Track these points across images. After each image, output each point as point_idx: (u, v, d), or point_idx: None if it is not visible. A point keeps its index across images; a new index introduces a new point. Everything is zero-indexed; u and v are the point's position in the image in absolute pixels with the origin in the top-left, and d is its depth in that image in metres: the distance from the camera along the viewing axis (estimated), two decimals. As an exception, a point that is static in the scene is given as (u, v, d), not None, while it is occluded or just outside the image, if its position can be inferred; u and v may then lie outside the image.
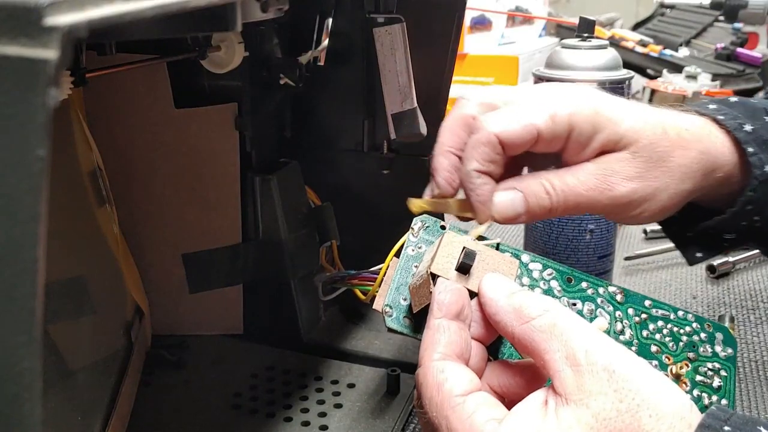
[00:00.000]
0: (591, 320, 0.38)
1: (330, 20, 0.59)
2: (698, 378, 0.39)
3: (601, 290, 0.39)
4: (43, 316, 0.19)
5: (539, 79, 0.59)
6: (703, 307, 0.65)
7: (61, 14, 0.18)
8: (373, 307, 0.38)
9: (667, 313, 0.40)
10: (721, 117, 0.43)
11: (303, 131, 0.63)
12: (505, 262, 0.37)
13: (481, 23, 1.35)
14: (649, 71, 1.41)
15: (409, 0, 0.57)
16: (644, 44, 1.45)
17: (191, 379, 0.53)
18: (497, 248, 0.38)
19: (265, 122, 0.58)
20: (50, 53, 0.17)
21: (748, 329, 0.61)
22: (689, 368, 0.39)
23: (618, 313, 0.39)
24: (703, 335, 0.40)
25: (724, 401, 0.39)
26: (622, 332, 0.39)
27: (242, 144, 0.54)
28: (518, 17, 1.48)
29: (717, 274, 0.70)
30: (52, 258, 0.19)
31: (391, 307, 0.37)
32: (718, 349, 0.40)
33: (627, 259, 0.73)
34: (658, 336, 0.39)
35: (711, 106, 0.44)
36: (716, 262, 0.70)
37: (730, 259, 0.71)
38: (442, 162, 0.41)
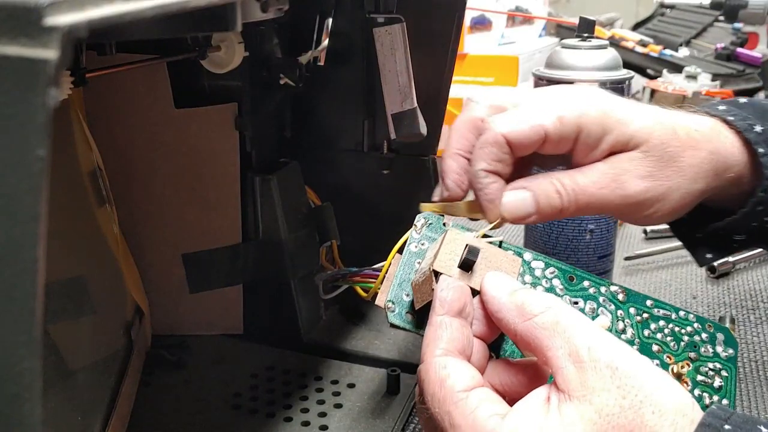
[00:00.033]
0: (593, 319, 0.39)
1: (330, 20, 0.59)
2: (699, 378, 0.39)
3: (603, 289, 0.39)
4: (43, 316, 0.19)
5: (539, 79, 0.59)
6: (703, 307, 0.65)
7: (61, 14, 0.18)
8: (376, 302, 0.38)
9: (669, 313, 0.40)
10: (731, 118, 0.43)
11: (303, 131, 0.63)
12: (508, 260, 0.37)
13: (481, 23, 1.35)
14: (649, 71, 1.41)
15: (409, 0, 0.57)
16: (644, 44, 1.45)
17: (191, 379, 0.53)
18: (500, 246, 0.38)
19: (265, 122, 0.58)
20: (50, 53, 0.17)
21: (748, 329, 0.61)
22: (690, 368, 0.39)
23: (620, 312, 0.39)
24: (704, 335, 0.40)
25: (724, 401, 0.39)
26: (623, 331, 0.39)
27: (242, 144, 0.54)
28: (518, 17, 1.48)
29: (717, 274, 0.70)
30: (52, 258, 0.19)
31: (393, 303, 0.37)
32: (719, 349, 0.40)
33: (627, 259, 0.73)
34: (659, 335, 0.39)
35: (721, 107, 0.45)
36: (716, 262, 0.70)
37: (730, 259, 0.71)
38: (451, 165, 0.41)
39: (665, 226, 0.78)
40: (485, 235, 0.39)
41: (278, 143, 0.61)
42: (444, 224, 0.40)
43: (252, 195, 0.55)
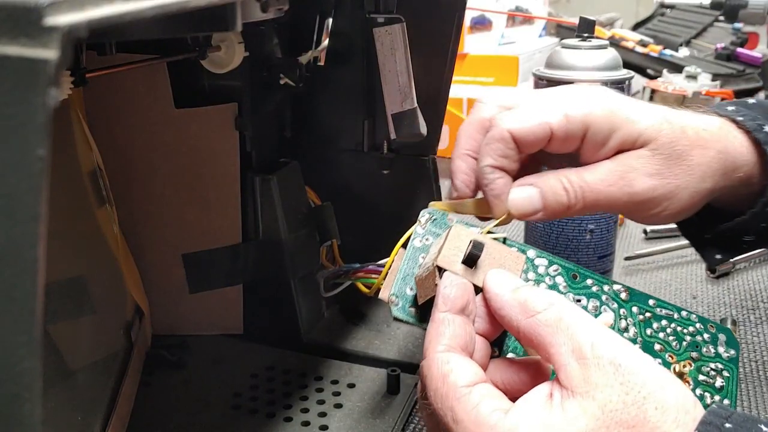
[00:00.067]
0: (596, 316, 0.39)
1: (330, 20, 0.59)
2: (701, 377, 0.39)
3: (606, 288, 0.40)
4: (43, 316, 0.19)
5: (539, 79, 0.59)
6: (703, 307, 0.65)
7: (61, 14, 0.18)
8: (379, 296, 0.39)
9: (671, 312, 0.40)
10: (740, 118, 0.43)
11: (303, 131, 0.63)
12: (512, 257, 0.37)
13: (481, 23, 1.35)
14: (649, 71, 1.41)
15: (409, 0, 0.57)
16: (644, 44, 1.45)
17: (191, 379, 0.53)
18: (504, 243, 0.38)
19: (265, 122, 0.58)
20: (50, 53, 0.17)
21: (748, 329, 0.61)
22: (692, 367, 0.39)
23: (622, 310, 0.39)
24: (706, 336, 0.40)
25: (726, 401, 0.39)
26: (626, 329, 0.39)
27: (242, 144, 0.54)
28: (518, 17, 1.48)
29: (717, 274, 0.70)
30: (52, 258, 0.19)
31: (397, 297, 0.38)
32: (721, 350, 0.40)
33: (627, 259, 0.73)
34: (661, 335, 0.39)
35: (730, 108, 0.45)
36: (726, 262, 0.70)
37: (731, 259, 0.71)
38: (460, 165, 0.42)
39: (665, 226, 0.79)
40: (489, 232, 0.39)
41: (278, 143, 0.61)
42: (448, 220, 0.40)
43: (252, 195, 0.55)
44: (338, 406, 0.49)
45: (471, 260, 0.35)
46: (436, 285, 0.35)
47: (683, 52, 1.48)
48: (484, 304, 0.35)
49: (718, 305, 0.65)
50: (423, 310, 0.37)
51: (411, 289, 0.38)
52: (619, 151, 0.40)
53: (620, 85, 0.57)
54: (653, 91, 1.18)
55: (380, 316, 0.60)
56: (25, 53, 0.17)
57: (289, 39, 0.57)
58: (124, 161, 0.53)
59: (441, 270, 0.35)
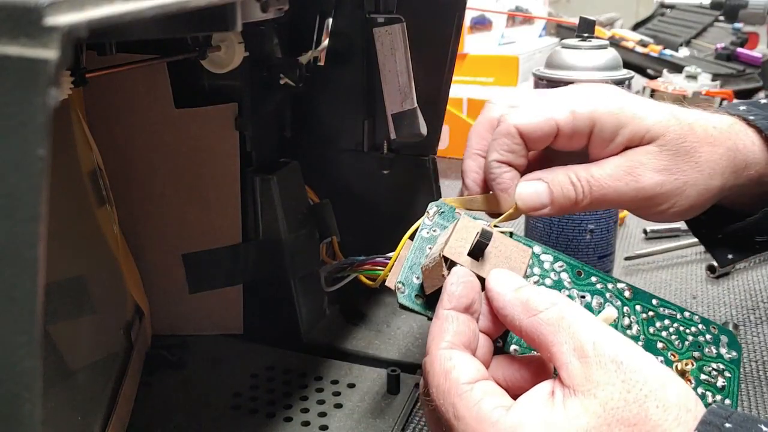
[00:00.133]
0: (600, 312, 0.39)
1: (330, 20, 0.59)
2: (702, 377, 0.39)
3: (610, 286, 0.40)
4: (43, 316, 0.19)
5: (539, 79, 0.59)
6: (703, 307, 0.65)
7: (61, 14, 0.18)
8: (386, 284, 0.39)
9: (674, 312, 0.40)
10: (752, 117, 0.43)
11: (303, 131, 0.63)
12: (518, 250, 0.37)
13: (481, 23, 1.35)
14: (649, 71, 1.41)
15: (409, 0, 0.57)
16: (644, 44, 1.45)
17: (191, 379, 0.53)
18: (510, 237, 0.39)
19: (265, 122, 0.58)
20: (50, 53, 0.17)
21: (748, 329, 0.61)
22: (694, 366, 0.39)
23: (626, 308, 0.39)
24: (708, 337, 0.40)
25: (727, 401, 0.39)
26: (629, 327, 0.39)
27: (242, 144, 0.54)
28: (518, 17, 1.48)
29: (717, 274, 0.70)
30: (52, 258, 0.19)
31: (403, 285, 0.38)
32: (723, 351, 0.40)
33: (627, 259, 0.73)
34: (664, 333, 0.39)
35: (741, 107, 0.45)
36: (738, 263, 0.70)
37: (743, 259, 0.71)
38: (470, 164, 0.42)
39: (666, 226, 0.79)
40: (495, 226, 0.39)
41: (278, 143, 0.61)
42: (456, 213, 0.40)
43: (252, 195, 0.55)
44: (338, 406, 0.49)
45: (477, 251, 0.35)
46: (443, 276, 0.35)
47: (683, 52, 1.49)
48: (487, 303, 0.35)
49: (718, 305, 0.65)
50: (429, 299, 0.37)
51: (417, 278, 0.38)
52: (627, 148, 0.40)
53: (620, 85, 0.57)
54: (653, 91, 1.18)
55: (380, 316, 0.60)
56: (26, 53, 0.17)
57: (289, 39, 0.57)
58: (124, 161, 0.53)
59: (447, 260, 0.35)
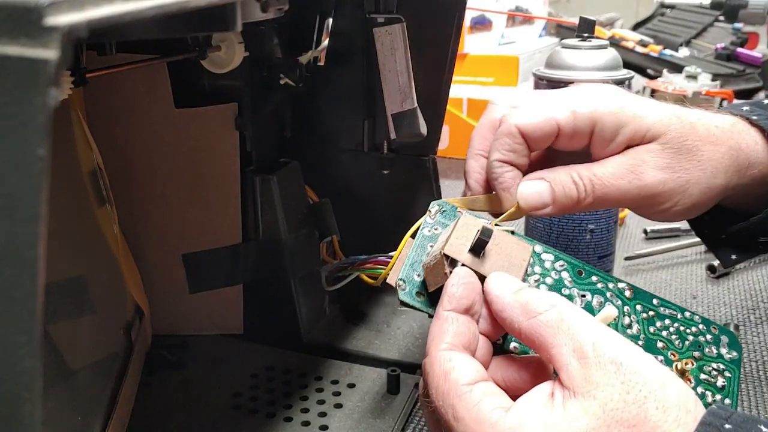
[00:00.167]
0: (600, 311, 0.39)
1: (330, 20, 0.59)
2: (702, 376, 0.39)
3: (611, 285, 0.40)
4: (43, 316, 0.19)
5: (539, 79, 0.59)
6: (703, 307, 0.65)
7: (61, 14, 0.18)
8: (387, 281, 0.39)
9: (675, 312, 0.40)
10: (755, 117, 0.43)
11: (303, 131, 0.63)
12: (519, 248, 0.37)
13: (481, 23, 1.35)
14: (649, 71, 1.41)
15: (409, 0, 0.57)
16: (644, 44, 1.45)
17: (191, 379, 0.53)
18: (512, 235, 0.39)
19: (265, 122, 0.58)
20: (50, 53, 0.17)
21: (748, 329, 0.61)
22: (694, 366, 0.39)
23: (626, 308, 0.39)
24: (708, 337, 0.40)
25: (727, 401, 0.39)
26: (629, 326, 0.39)
27: (242, 144, 0.54)
28: (518, 17, 1.48)
29: (717, 274, 0.70)
30: (52, 258, 0.19)
31: (404, 282, 0.38)
32: (723, 351, 0.40)
33: (627, 259, 0.73)
34: (664, 333, 0.40)
35: (744, 108, 0.45)
36: (716, 261, 0.70)
37: (747, 259, 0.71)
38: (473, 165, 0.43)
39: (666, 226, 0.79)
40: (497, 225, 0.39)
41: (278, 143, 0.61)
42: (458, 212, 0.40)
43: (252, 195, 0.55)
44: (338, 406, 0.49)
45: (478, 248, 0.35)
46: (445, 274, 0.35)
47: (683, 52, 1.49)
48: (487, 306, 0.35)
49: (718, 305, 0.65)
50: (430, 296, 0.38)
51: (418, 275, 0.38)
52: (628, 147, 0.40)
53: (620, 86, 0.57)
54: (653, 91, 1.18)
55: (380, 316, 0.60)
56: (26, 53, 0.17)
57: (289, 39, 0.57)
58: (124, 161, 0.53)
59: (448, 258, 0.35)
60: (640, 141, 0.40)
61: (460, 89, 1.12)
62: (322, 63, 0.60)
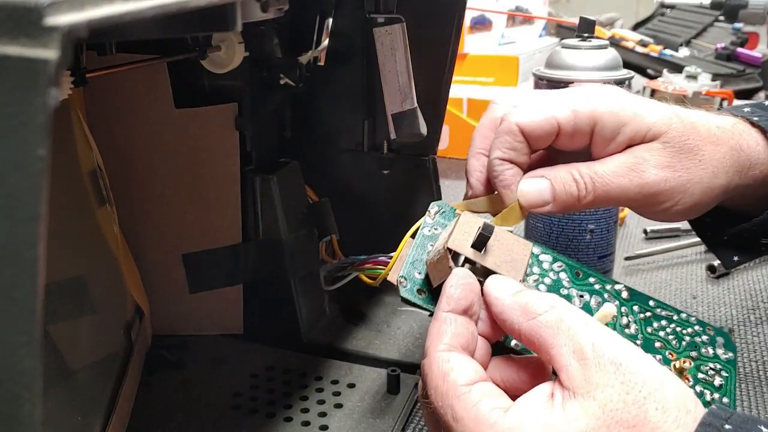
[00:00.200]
0: (598, 310, 0.39)
1: (330, 20, 0.59)
2: (700, 375, 0.39)
3: (608, 286, 0.40)
4: (43, 316, 0.19)
5: (539, 79, 0.59)
6: (703, 307, 0.65)
7: (61, 14, 0.18)
8: (388, 279, 0.39)
9: (671, 314, 0.40)
10: (756, 118, 0.43)
11: (303, 131, 0.63)
12: (519, 245, 0.37)
13: (481, 23, 1.35)
14: (649, 71, 1.41)
15: (409, 0, 0.57)
16: (644, 44, 1.45)
17: (191, 379, 0.53)
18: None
19: (265, 122, 0.58)
20: (50, 53, 0.17)
21: (748, 329, 0.61)
22: (692, 365, 0.39)
23: (624, 308, 0.40)
24: (705, 338, 0.41)
25: (725, 399, 0.39)
26: (627, 326, 0.39)
27: (242, 144, 0.54)
28: (518, 17, 1.48)
29: (717, 274, 0.70)
30: (52, 258, 0.19)
31: (405, 279, 0.38)
32: (719, 351, 0.40)
33: (627, 259, 0.73)
34: (662, 333, 0.40)
35: (746, 109, 0.45)
36: (716, 261, 0.70)
37: (749, 261, 0.71)
38: (474, 164, 0.43)
39: (666, 226, 0.79)
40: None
41: (278, 143, 0.61)
42: (457, 213, 0.41)
43: (252, 195, 0.55)
44: (338, 406, 0.49)
45: (480, 243, 0.35)
46: (449, 267, 0.36)
47: (683, 52, 1.49)
48: (486, 308, 0.35)
49: (718, 305, 0.65)
50: (432, 293, 0.38)
51: (419, 273, 0.38)
52: (629, 146, 0.40)
53: (620, 85, 0.57)
54: (653, 91, 1.18)
55: (380, 316, 0.60)
56: (26, 53, 0.17)
57: (289, 39, 0.57)
58: (124, 161, 0.53)
59: (451, 252, 0.36)
60: (641, 140, 0.40)
61: (460, 89, 1.12)
62: (322, 63, 0.60)
